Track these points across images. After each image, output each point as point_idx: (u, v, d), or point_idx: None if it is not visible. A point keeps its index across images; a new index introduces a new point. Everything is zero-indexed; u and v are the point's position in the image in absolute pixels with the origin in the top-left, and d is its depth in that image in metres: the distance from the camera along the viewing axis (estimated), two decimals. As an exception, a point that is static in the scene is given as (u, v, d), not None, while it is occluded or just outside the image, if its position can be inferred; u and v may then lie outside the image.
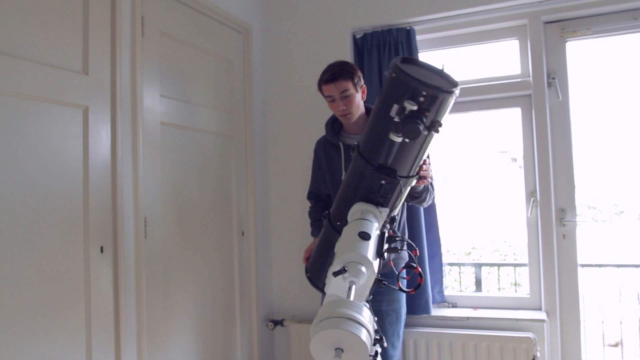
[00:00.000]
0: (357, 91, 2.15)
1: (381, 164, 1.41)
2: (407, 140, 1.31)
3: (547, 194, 2.61)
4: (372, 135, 1.45)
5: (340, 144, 2.23)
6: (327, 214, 1.63)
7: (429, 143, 1.38)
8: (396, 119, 1.28)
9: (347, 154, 2.21)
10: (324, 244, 1.66)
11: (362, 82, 2.19)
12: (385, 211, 1.45)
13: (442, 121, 1.29)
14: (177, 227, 2.27)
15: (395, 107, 1.28)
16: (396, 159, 1.41)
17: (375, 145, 1.42)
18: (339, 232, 1.51)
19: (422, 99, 1.26)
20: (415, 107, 1.25)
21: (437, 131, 1.28)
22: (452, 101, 1.31)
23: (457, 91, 1.29)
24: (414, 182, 1.50)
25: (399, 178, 1.42)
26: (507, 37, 2.77)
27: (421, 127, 1.25)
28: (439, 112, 1.30)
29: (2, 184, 1.53)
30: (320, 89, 2.19)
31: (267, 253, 2.96)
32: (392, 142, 1.34)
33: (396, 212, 1.53)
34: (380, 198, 1.45)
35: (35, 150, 1.63)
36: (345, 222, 1.45)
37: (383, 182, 1.42)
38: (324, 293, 1.68)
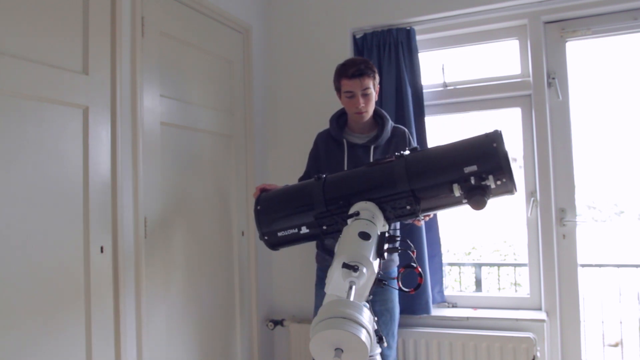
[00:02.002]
0: (374, 91, 2.15)
1: (414, 190, 1.44)
2: (464, 201, 1.39)
3: (547, 194, 2.61)
4: (434, 169, 1.48)
5: (344, 141, 2.22)
6: (323, 177, 1.62)
7: (456, 207, 1.49)
8: (472, 181, 1.37)
9: (350, 152, 2.20)
10: (299, 192, 1.66)
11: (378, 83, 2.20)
12: (386, 227, 1.48)
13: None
14: (177, 227, 2.27)
15: (474, 168, 1.37)
16: (430, 197, 1.47)
17: (430, 178, 1.47)
18: (325, 199, 1.54)
19: (499, 182, 1.37)
20: (492, 186, 1.36)
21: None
22: (503, 197, 1.44)
23: (515, 193, 1.44)
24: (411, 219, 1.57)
25: (420, 212, 1.47)
26: (507, 37, 2.77)
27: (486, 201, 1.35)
28: (493, 196, 1.41)
29: (2, 184, 1.53)
30: (339, 82, 2.16)
31: (267, 253, 2.95)
32: (450, 190, 1.40)
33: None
34: (392, 215, 1.48)
35: (35, 150, 1.63)
36: (344, 204, 1.48)
37: (408, 207, 1.45)
38: (262, 234, 1.67)
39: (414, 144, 2.33)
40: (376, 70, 2.17)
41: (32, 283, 1.61)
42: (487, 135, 1.44)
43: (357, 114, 2.16)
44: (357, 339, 0.93)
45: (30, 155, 1.62)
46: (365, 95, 2.11)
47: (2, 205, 1.53)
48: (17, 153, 1.58)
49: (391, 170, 1.50)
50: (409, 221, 1.71)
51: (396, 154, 1.54)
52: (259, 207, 1.69)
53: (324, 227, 1.55)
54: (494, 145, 1.39)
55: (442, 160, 1.49)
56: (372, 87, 2.13)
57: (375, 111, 2.23)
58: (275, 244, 1.69)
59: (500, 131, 1.43)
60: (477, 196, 1.34)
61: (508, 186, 1.39)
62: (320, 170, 2.29)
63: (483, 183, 1.36)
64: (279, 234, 1.64)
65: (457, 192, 1.38)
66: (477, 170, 1.37)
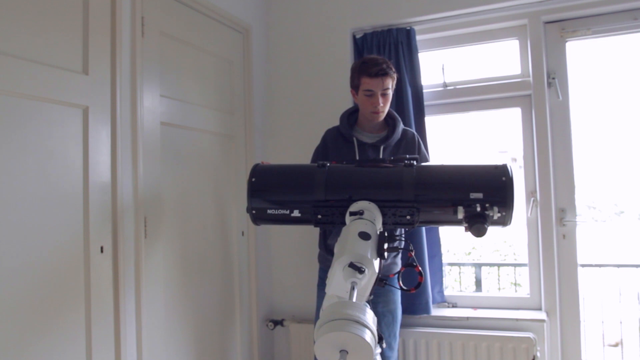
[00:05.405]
0: (392, 91, 2.15)
1: (417, 199, 1.48)
2: (465, 224, 1.44)
3: (547, 194, 2.61)
4: (441, 184, 1.55)
5: (354, 139, 2.21)
6: (327, 165, 1.60)
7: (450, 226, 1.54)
8: (477, 208, 1.42)
9: (361, 151, 2.18)
10: (300, 173, 1.64)
11: None
12: (380, 230, 1.48)
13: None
14: (177, 227, 2.27)
15: (480, 195, 1.44)
16: (430, 210, 1.51)
17: (436, 192, 1.53)
18: (326, 188, 1.53)
19: (499, 215, 1.43)
20: (495, 217, 1.43)
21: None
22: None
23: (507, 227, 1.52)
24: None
25: (417, 223, 1.51)
26: (507, 37, 2.77)
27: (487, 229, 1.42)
28: (490, 226, 1.46)
29: (2, 184, 1.52)
30: (359, 80, 2.10)
31: (267, 253, 2.95)
32: (452, 210, 1.45)
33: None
34: (391, 222, 1.49)
35: (35, 150, 1.63)
36: (347, 197, 1.49)
37: (408, 217, 1.48)
38: (250, 207, 1.63)
39: (424, 147, 2.32)
40: (395, 71, 2.15)
41: (32, 283, 1.60)
42: (496, 167, 1.49)
43: (374, 114, 2.13)
44: (362, 340, 0.93)
45: (30, 155, 1.61)
46: (384, 96, 2.09)
47: (1, 205, 1.52)
48: (17, 153, 1.57)
49: (400, 176, 1.51)
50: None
51: (406, 161, 1.55)
52: (253, 179, 1.62)
53: (319, 216, 1.52)
54: (503, 179, 1.45)
55: (450, 179, 1.54)
56: (391, 87, 2.12)
57: (387, 112, 2.22)
58: (260, 219, 1.64)
59: (510, 166, 1.50)
60: (479, 224, 1.40)
61: (505, 219, 1.46)
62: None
63: (486, 212, 1.41)
64: (269, 211, 1.59)
65: (461, 215, 1.43)
66: (482, 198, 1.43)
